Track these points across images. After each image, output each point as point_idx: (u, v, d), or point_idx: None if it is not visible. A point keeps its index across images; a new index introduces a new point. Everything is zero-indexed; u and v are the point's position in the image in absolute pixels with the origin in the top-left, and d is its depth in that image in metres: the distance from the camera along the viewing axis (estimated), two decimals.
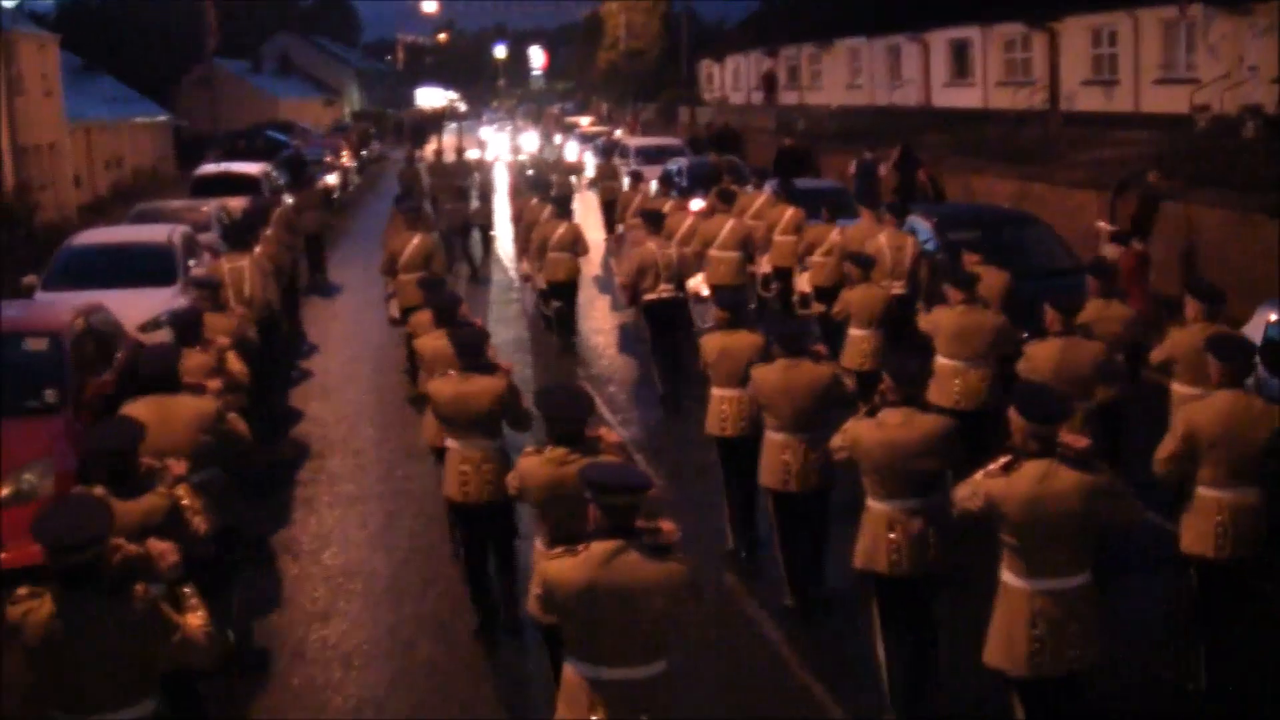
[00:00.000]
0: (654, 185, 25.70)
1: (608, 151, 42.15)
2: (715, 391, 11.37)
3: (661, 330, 16.41)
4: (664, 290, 16.11)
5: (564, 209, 20.62)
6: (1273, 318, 11.61)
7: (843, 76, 53.84)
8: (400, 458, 14.97)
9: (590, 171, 41.61)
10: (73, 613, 5.67)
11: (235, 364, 11.24)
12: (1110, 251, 18.88)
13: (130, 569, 6.05)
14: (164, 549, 6.44)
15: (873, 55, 50.74)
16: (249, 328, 13.50)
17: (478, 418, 9.62)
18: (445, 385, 9.70)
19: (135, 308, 16.20)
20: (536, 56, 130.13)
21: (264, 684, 9.71)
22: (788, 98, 59.11)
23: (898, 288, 15.59)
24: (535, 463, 7.63)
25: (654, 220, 17.24)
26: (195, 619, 6.11)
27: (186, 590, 6.33)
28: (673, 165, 32.99)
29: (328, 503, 13.70)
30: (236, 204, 26.02)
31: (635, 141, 41.54)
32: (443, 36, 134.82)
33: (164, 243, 18.55)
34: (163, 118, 56.05)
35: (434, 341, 11.11)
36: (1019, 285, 13.61)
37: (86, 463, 8.41)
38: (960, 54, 44.17)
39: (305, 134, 64.13)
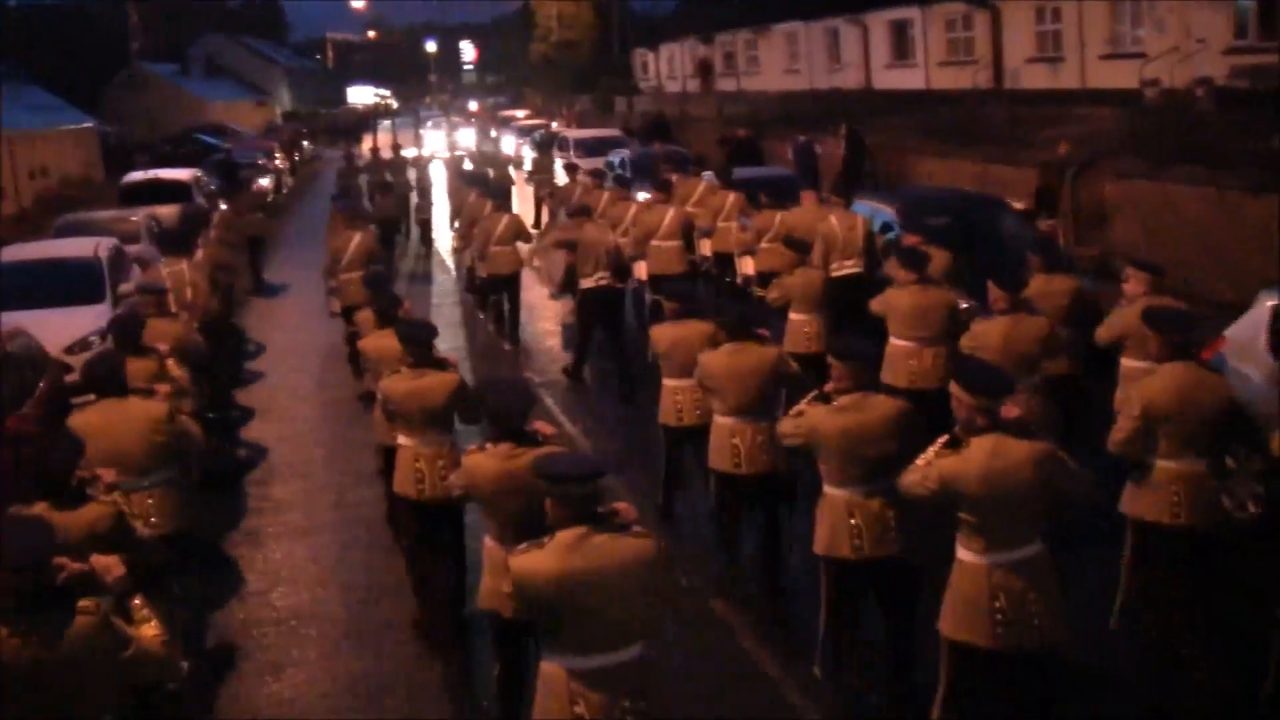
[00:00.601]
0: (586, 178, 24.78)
1: (546, 144, 41.44)
2: (667, 382, 11.35)
3: (598, 318, 16.59)
4: (601, 278, 16.24)
5: (504, 202, 20.47)
6: (1272, 303, 10.93)
7: (781, 62, 53.19)
8: (351, 481, 13.94)
9: (528, 165, 41.30)
10: (24, 634, 5.49)
11: (175, 370, 11.07)
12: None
13: (76, 586, 5.86)
14: (108, 563, 6.19)
15: (811, 39, 50.04)
16: (193, 334, 13.33)
17: (432, 413, 9.56)
18: (398, 382, 9.62)
19: (61, 328, 15.36)
20: (467, 51, 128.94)
21: None
22: (725, 85, 58.50)
23: (850, 267, 15.65)
24: (481, 458, 7.56)
25: (586, 215, 17.59)
26: (149, 630, 6.01)
27: (137, 602, 6.22)
28: (614, 156, 32.32)
29: (274, 535, 12.63)
30: (167, 212, 25.17)
31: (575, 133, 40.74)
32: (372, 34, 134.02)
33: (90, 258, 17.60)
34: (89, 124, 54.63)
35: (378, 341, 10.99)
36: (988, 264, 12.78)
37: (21, 480, 8.07)
38: (900, 35, 43.52)
39: (237, 136, 63.18)
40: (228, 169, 36.63)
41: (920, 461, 7.15)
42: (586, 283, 16.39)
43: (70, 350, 15.17)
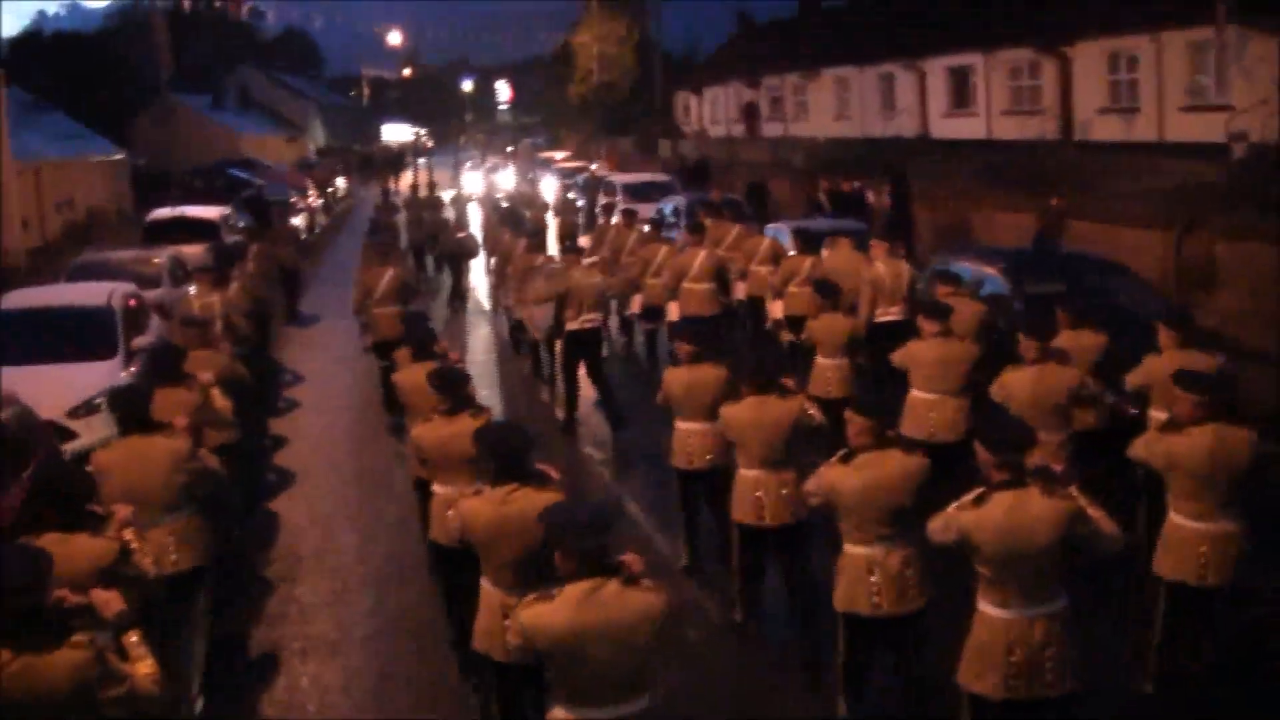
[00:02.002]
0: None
1: (590, 187, 39.97)
2: (680, 425, 11.34)
3: (580, 357, 16.69)
4: (587, 320, 16.43)
5: (539, 242, 20.29)
6: None
7: (830, 107, 51.52)
8: (393, 576, 12.25)
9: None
10: (16, 663, 5.51)
11: (219, 401, 11.15)
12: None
13: (73, 618, 5.91)
14: (108, 597, 6.29)
15: (863, 84, 48.42)
16: (237, 364, 13.18)
17: (463, 460, 9.16)
18: (429, 430, 9.52)
19: (65, 388, 13.70)
20: (503, 90, 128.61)
21: None
22: (771, 130, 56.95)
23: (894, 314, 15.78)
24: (476, 503, 7.55)
25: (576, 254, 18.02)
26: (144, 667, 5.93)
27: (134, 639, 6.10)
28: (666, 204, 30.61)
29: (299, 651, 10.69)
30: (193, 252, 23.59)
31: (621, 177, 38.91)
32: (408, 71, 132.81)
33: (102, 307, 15.72)
34: (119, 155, 53.22)
35: (413, 376, 10.90)
36: (1115, 343, 11.87)
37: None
38: (960, 82, 41.88)
39: (268, 171, 61.88)
40: (258, 206, 35.12)
41: (950, 509, 7.16)
42: (572, 325, 16.44)
43: (74, 413, 13.56)
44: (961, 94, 42.01)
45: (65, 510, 7.21)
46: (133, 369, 14.57)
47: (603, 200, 33.68)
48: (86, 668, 5.57)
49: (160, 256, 21.48)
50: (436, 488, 9.68)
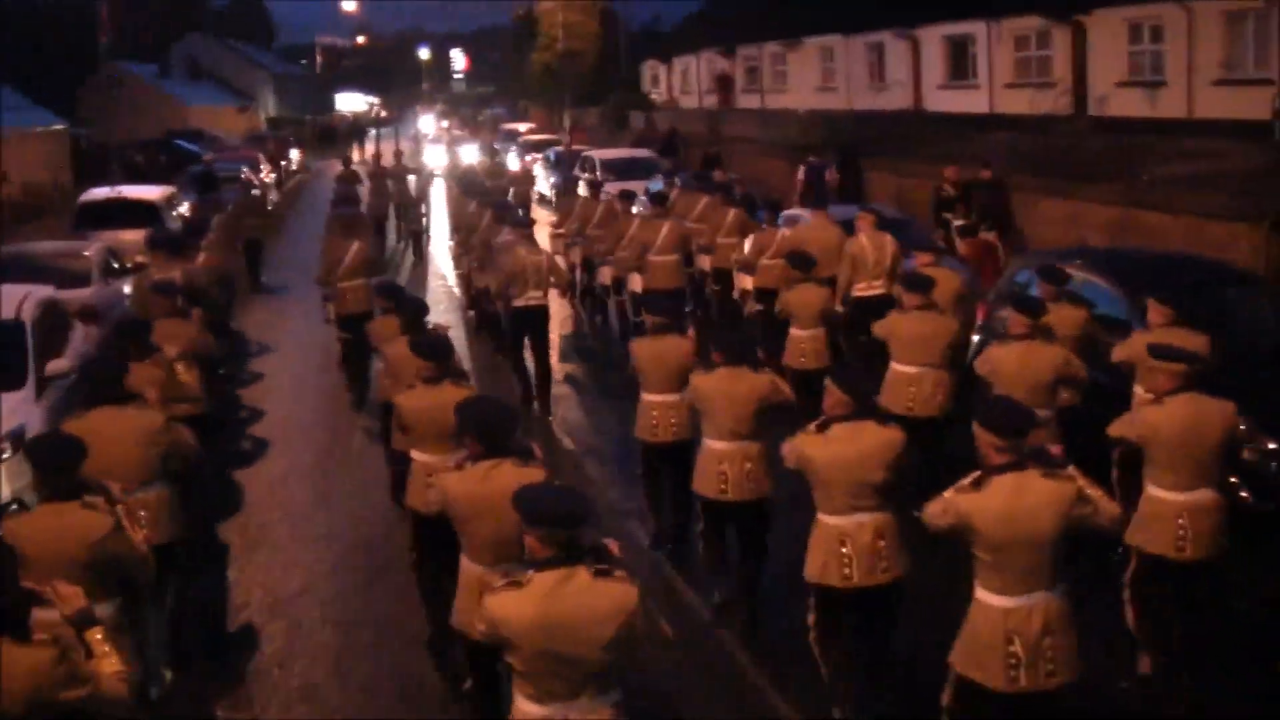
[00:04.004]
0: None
1: (564, 163, 37.24)
2: (645, 397, 11.28)
3: (526, 334, 16.57)
4: (532, 297, 16.24)
5: (505, 214, 19.34)
6: None
7: (813, 78, 48.91)
8: (359, 542, 12.19)
9: (544, 187, 38.24)
10: None
11: (185, 375, 11.08)
12: (962, 246, 21.83)
13: (24, 607, 5.52)
14: (69, 593, 5.86)
15: (850, 54, 45.78)
16: (204, 334, 12.71)
17: (446, 430, 8.97)
18: (412, 398, 9.56)
19: None
20: (458, 60, 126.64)
21: None
22: (747, 101, 54.34)
23: (877, 288, 15.61)
24: (455, 480, 7.42)
25: (525, 228, 17.71)
26: (109, 664, 5.69)
27: (99, 636, 5.77)
28: (655, 185, 27.92)
29: (266, 617, 10.59)
30: (131, 239, 20.81)
31: (601, 154, 36.01)
32: (362, 39, 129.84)
33: (10, 322, 12.45)
34: (59, 126, 50.11)
35: (402, 348, 10.75)
36: (1232, 370, 10.24)
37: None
38: (959, 52, 39.30)
39: (218, 143, 58.89)
40: (207, 183, 32.18)
41: (948, 492, 7.01)
42: (518, 302, 16.26)
43: None
44: (960, 65, 39.40)
45: (55, 481, 7.05)
46: (46, 402, 11.77)
47: (584, 177, 30.97)
48: (47, 667, 5.33)
49: (90, 249, 18.43)
50: (416, 455, 9.66)
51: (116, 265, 18.42)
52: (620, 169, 32.72)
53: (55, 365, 12.18)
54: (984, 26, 37.02)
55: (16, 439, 10.67)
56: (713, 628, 10.09)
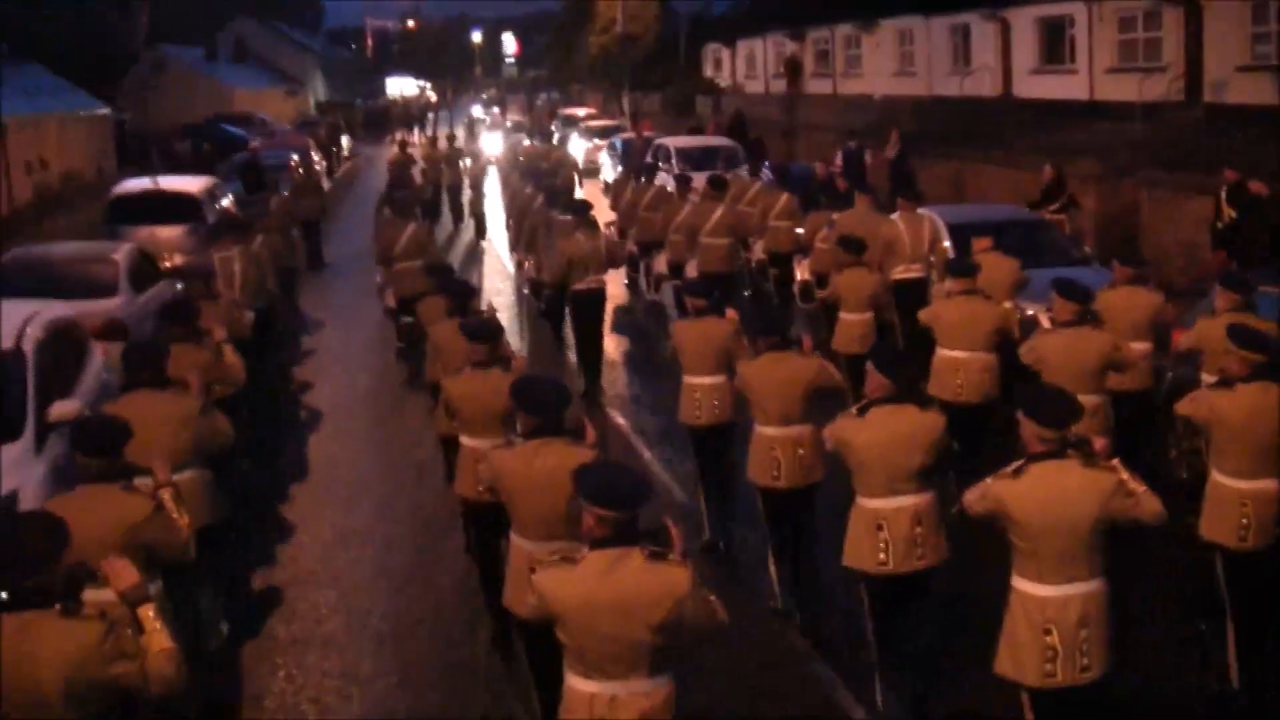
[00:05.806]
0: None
1: (632, 151, 35.17)
2: (687, 380, 11.32)
3: (584, 319, 16.82)
4: (592, 282, 16.45)
5: (555, 198, 20.46)
6: None
7: (889, 63, 46.38)
8: (413, 518, 12.61)
9: (609, 175, 36.74)
10: (16, 633, 5.17)
11: (230, 357, 10.98)
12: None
13: (78, 581, 5.52)
14: (119, 567, 5.71)
15: (932, 37, 43.19)
16: (240, 316, 13.11)
17: (494, 415, 9.18)
18: (459, 383, 9.53)
19: None
20: (509, 44, 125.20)
21: None
22: (817, 87, 51.86)
23: (915, 271, 15.92)
24: (506, 457, 7.53)
25: (584, 214, 17.20)
26: (158, 641, 5.57)
27: (150, 613, 5.65)
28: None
29: (313, 587, 10.96)
30: (168, 236, 18.73)
31: (675, 142, 33.72)
32: (412, 23, 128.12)
33: (9, 353, 9.98)
34: (102, 111, 48.11)
35: (448, 330, 10.89)
36: None
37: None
38: (1054, 35, 36.65)
39: (265, 127, 56.90)
40: (253, 173, 30.07)
41: (988, 479, 7.01)
42: (578, 286, 16.54)
43: None
44: (1055, 48, 36.69)
45: (95, 464, 6.99)
46: (48, 457, 9.50)
47: (663, 167, 28.89)
48: (94, 642, 5.23)
49: (118, 251, 16.04)
50: (464, 440, 9.61)
51: (151, 271, 16.21)
52: (698, 159, 30.55)
53: (61, 410, 9.70)
54: (1084, 6, 34.30)
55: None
56: (770, 617, 10.06)
